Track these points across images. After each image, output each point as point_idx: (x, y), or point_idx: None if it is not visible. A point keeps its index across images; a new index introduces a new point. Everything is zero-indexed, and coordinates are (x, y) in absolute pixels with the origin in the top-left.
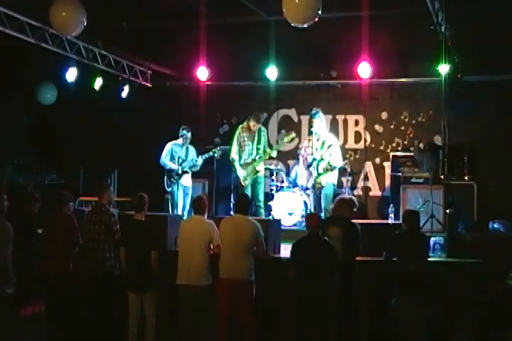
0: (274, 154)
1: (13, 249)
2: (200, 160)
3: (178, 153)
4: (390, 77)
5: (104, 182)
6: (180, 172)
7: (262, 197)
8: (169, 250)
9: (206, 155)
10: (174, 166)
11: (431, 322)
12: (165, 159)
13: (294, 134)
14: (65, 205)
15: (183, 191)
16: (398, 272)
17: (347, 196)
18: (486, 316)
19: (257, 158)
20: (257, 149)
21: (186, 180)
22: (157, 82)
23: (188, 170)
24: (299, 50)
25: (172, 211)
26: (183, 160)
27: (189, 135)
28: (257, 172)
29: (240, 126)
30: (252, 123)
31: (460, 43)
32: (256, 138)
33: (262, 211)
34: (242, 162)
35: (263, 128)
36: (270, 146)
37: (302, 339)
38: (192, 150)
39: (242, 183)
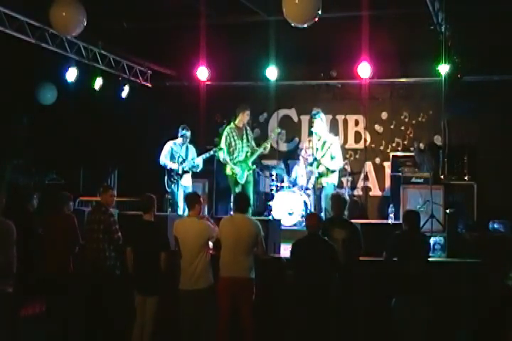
0: (267, 150)
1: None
2: (199, 160)
3: (179, 153)
4: (390, 77)
5: (107, 184)
6: (180, 172)
7: (251, 196)
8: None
9: (205, 155)
10: (175, 166)
11: (431, 322)
12: (165, 159)
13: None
14: (65, 205)
15: (184, 191)
16: (398, 272)
17: (336, 192)
18: (486, 316)
19: (248, 155)
20: (248, 146)
21: (186, 180)
22: (157, 82)
23: (189, 170)
24: (299, 50)
25: (172, 211)
26: (184, 160)
27: (188, 134)
28: (250, 168)
29: (228, 127)
30: (243, 115)
31: (460, 43)
32: (244, 135)
33: (250, 209)
34: (234, 161)
35: (247, 126)
36: (259, 145)
37: (302, 339)
38: (192, 149)
39: (239, 181)
